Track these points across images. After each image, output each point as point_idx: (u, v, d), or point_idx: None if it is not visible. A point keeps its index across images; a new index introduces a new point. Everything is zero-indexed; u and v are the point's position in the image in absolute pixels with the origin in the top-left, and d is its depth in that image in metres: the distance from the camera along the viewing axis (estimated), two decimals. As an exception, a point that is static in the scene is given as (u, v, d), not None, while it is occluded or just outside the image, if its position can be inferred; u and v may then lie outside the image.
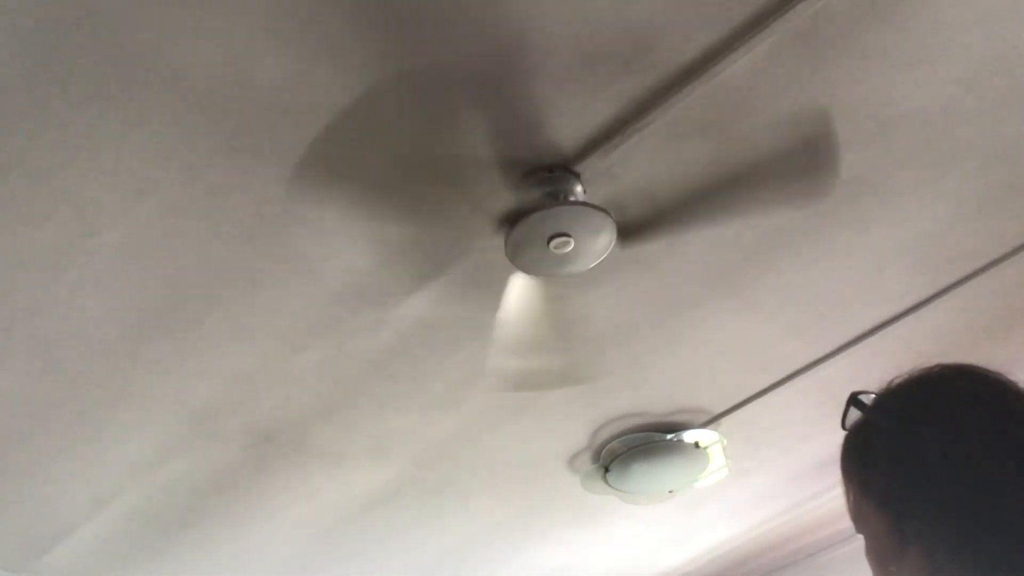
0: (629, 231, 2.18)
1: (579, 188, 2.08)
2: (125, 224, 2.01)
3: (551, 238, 2.06)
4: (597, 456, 3.26)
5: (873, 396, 1.17)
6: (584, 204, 2.05)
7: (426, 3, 1.68)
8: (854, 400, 1.18)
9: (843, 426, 1.19)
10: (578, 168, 2.07)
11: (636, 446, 3.18)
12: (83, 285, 2.13)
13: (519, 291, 2.26)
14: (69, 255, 2.04)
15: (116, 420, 2.55)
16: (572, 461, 3.28)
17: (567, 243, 2.07)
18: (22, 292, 2.10)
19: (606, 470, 3.25)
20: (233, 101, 1.80)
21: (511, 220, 2.08)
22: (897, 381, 1.16)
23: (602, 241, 2.11)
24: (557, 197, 2.04)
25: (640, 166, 2.12)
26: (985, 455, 1.05)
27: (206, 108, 1.80)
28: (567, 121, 1.98)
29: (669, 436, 3.18)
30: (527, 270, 2.18)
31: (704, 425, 3.20)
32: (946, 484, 1.05)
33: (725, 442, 3.26)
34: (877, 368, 3.10)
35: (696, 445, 3.21)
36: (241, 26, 1.66)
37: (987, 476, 1.03)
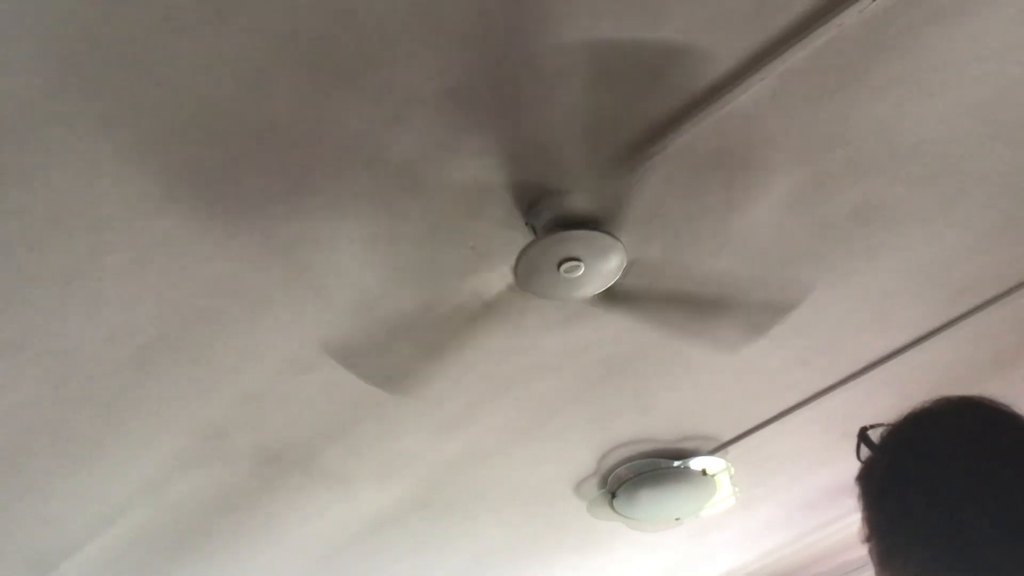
0: (612, 296, 2.22)
1: (590, 213, 2.08)
2: (138, 243, 2.02)
3: (561, 262, 2.06)
4: (604, 482, 3.25)
5: (882, 429, 1.20)
6: (595, 229, 2.06)
7: (440, 27, 1.70)
8: (862, 435, 1.21)
9: (857, 458, 1.22)
10: (590, 193, 2.08)
11: (643, 472, 3.17)
12: (95, 304, 2.14)
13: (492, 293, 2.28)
14: (82, 273, 2.05)
15: (124, 438, 2.55)
16: (579, 486, 3.27)
17: (577, 267, 2.08)
18: (34, 310, 2.11)
19: (613, 496, 3.24)
20: (246, 125, 1.81)
21: (522, 244, 2.08)
22: (904, 415, 1.18)
23: (612, 266, 2.12)
24: (568, 221, 2.05)
25: (652, 192, 2.13)
26: (966, 498, 1.07)
27: (220, 130, 1.81)
28: (579, 145, 1.98)
29: (677, 463, 3.18)
30: (537, 293, 2.18)
31: (712, 452, 3.19)
32: (925, 526, 1.08)
33: (733, 470, 3.24)
34: (886, 398, 3.12)
35: (704, 472, 3.20)
36: (257, 53, 1.67)
37: (964, 520, 1.05)
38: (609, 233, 2.06)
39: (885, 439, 1.18)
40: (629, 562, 3.87)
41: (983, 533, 1.04)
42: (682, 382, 2.86)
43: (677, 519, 3.36)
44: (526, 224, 2.10)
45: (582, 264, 2.07)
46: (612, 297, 2.23)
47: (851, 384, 2.92)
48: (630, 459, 3.17)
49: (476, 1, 1.66)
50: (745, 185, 2.17)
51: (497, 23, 1.70)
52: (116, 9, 1.56)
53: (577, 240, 2.05)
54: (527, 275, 2.11)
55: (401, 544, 3.37)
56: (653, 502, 3.26)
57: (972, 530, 1.04)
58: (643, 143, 2.00)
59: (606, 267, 2.11)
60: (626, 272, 2.17)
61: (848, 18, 1.78)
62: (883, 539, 1.12)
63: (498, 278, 2.23)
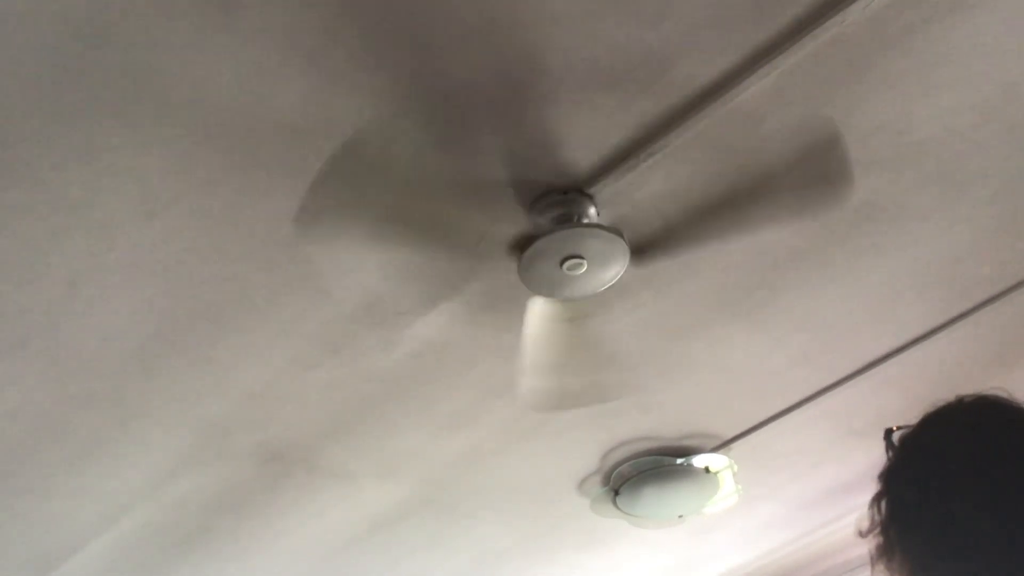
0: (642, 249, 2.18)
1: (592, 210, 2.08)
2: (141, 241, 2.02)
3: (564, 260, 2.06)
4: (607, 479, 3.25)
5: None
6: (597, 226, 2.05)
7: (442, 25, 1.69)
8: (886, 436, 1.24)
9: (887, 458, 1.25)
10: (592, 190, 2.08)
11: (646, 470, 3.17)
12: (98, 301, 2.14)
13: (539, 314, 2.27)
14: (85, 271, 2.05)
15: (127, 436, 2.55)
16: (582, 484, 3.27)
17: (580, 265, 2.07)
18: (37, 307, 2.11)
19: (616, 494, 3.24)
20: (250, 122, 1.81)
21: (524, 242, 2.08)
22: (921, 414, 1.21)
23: (615, 263, 2.11)
24: (571, 219, 2.05)
25: (654, 189, 2.12)
26: (958, 490, 1.09)
27: (223, 128, 1.81)
28: (581, 143, 1.98)
29: (679, 460, 3.17)
30: (540, 292, 2.18)
31: (715, 450, 3.19)
32: (917, 517, 1.11)
33: (736, 468, 3.24)
34: (888, 396, 3.11)
35: (707, 470, 3.20)
36: (259, 48, 1.67)
37: (954, 511, 1.08)
38: (612, 230, 2.06)
39: (901, 438, 1.21)
40: (632, 560, 3.87)
41: (971, 525, 1.06)
42: (684, 380, 2.85)
43: (680, 516, 3.36)
44: (529, 222, 2.10)
45: (585, 262, 2.07)
46: (648, 251, 2.18)
47: (854, 382, 2.91)
48: (633, 457, 3.17)
49: (477, 0, 1.65)
50: (747, 182, 2.16)
51: (498, 22, 1.69)
52: (118, 7, 1.56)
53: (580, 238, 2.04)
54: (530, 273, 2.11)
55: (403, 542, 3.37)
56: (656, 500, 3.26)
57: (962, 521, 1.07)
58: (645, 140, 1.99)
59: (609, 264, 2.11)
60: (639, 228, 2.14)
61: (851, 15, 1.77)
62: (880, 533, 1.15)
63: (500, 276, 2.23)
